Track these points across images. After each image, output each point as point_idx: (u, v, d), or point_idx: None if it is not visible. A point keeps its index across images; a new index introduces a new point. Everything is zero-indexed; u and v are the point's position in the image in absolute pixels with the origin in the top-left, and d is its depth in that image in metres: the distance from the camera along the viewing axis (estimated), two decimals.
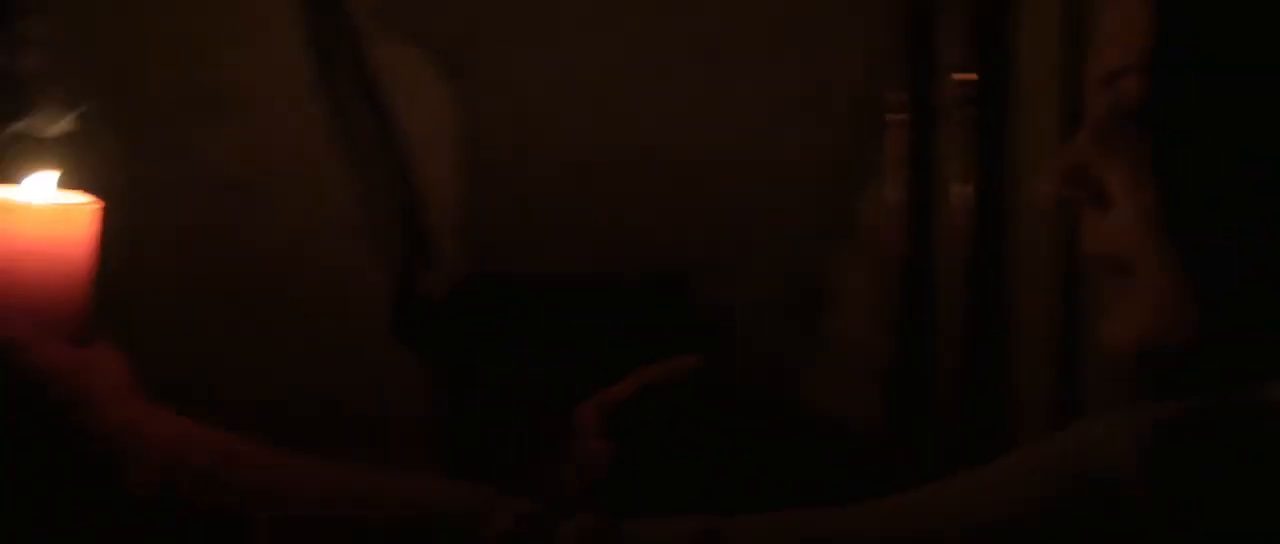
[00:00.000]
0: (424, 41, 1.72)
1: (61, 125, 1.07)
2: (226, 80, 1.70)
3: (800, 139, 1.74)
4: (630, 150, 1.73)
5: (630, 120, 1.73)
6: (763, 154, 1.75)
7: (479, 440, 1.63)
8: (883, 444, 1.68)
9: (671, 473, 1.16)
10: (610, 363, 1.17)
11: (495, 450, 1.59)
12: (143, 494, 0.93)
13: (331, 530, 0.91)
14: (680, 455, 1.16)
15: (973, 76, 1.68)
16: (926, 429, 1.70)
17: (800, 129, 1.74)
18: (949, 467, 1.41)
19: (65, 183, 0.99)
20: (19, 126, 1.06)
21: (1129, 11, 0.91)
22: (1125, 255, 0.91)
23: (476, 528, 0.88)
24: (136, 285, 1.69)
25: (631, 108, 1.73)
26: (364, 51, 1.71)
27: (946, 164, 1.70)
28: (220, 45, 1.70)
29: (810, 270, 1.75)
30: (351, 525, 0.91)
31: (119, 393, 0.96)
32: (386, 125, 1.71)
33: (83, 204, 0.99)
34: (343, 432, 1.68)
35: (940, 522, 0.84)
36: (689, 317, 1.23)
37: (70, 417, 0.94)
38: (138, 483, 0.93)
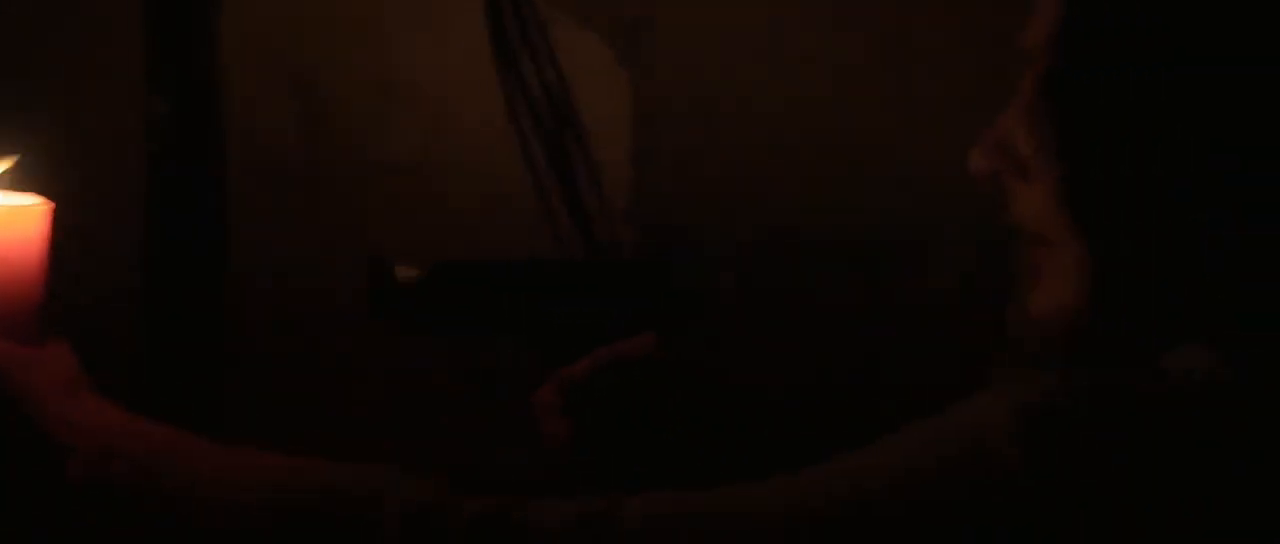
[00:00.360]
0: (602, 27, 1.71)
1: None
2: (405, 65, 1.73)
3: (984, 129, 1.65)
4: (809, 139, 1.68)
5: (810, 109, 1.68)
6: (945, 144, 1.66)
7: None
8: None
9: (631, 450, 1.17)
10: (583, 347, 1.17)
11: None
12: (77, 483, 0.99)
13: (249, 514, 0.95)
14: (639, 432, 1.17)
15: None
16: None
17: (985, 119, 1.65)
18: None
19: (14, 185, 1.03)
20: None
21: None
22: (1042, 228, 0.92)
23: (377, 509, 0.92)
24: (312, 268, 1.75)
25: (811, 96, 1.69)
26: (543, 36, 1.71)
27: None
28: (401, 30, 1.73)
29: (991, 263, 1.66)
30: (266, 510, 0.95)
31: (63, 388, 1.02)
32: (563, 111, 1.71)
33: (34, 205, 1.03)
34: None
35: (831, 492, 0.86)
36: (668, 304, 1.21)
37: (10, 410, 1.01)
38: (71, 473, 1.00)
